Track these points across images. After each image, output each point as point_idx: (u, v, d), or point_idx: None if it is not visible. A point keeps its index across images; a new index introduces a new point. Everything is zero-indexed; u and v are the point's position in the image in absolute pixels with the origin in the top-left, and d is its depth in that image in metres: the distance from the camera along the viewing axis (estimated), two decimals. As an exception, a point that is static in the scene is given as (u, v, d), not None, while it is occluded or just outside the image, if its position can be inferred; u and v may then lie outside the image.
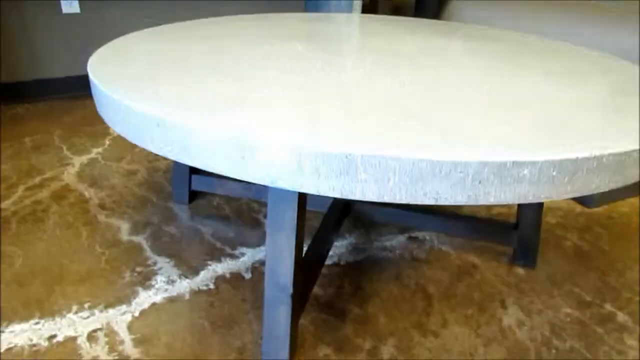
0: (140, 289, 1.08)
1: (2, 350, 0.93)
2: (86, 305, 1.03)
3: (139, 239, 1.25)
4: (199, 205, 1.42)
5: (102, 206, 1.40)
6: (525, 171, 0.56)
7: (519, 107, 0.70)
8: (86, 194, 1.47)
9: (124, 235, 1.27)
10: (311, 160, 0.56)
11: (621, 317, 1.06)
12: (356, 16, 1.55)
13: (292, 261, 0.79)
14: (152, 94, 0.69)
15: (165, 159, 1.73)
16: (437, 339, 0.97)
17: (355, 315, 1.02)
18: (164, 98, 0.67)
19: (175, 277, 1.12)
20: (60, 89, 2.39)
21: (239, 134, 0.58)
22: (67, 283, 1.10)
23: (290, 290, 0.81)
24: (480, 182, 0.56)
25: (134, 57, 0.87)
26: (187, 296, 1.06)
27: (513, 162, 0.56)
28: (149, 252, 1.20)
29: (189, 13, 2.58)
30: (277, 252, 0.79)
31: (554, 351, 0.96)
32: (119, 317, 1.00)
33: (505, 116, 0.66)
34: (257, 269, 1.15)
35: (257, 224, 1.33)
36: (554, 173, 0.58)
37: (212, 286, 1.09)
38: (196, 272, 1.13)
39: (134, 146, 1.81)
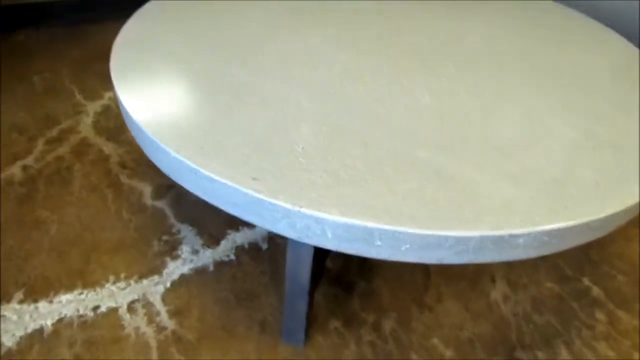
0: (168, 259, 1.20)
1: (54, 321, 1.07)
2: (122, 276, 1.16)
3: (162, 205, 1.35)
4: (214, 165, 1.50)
5: (122, 165, 1.48)
6: (520, 240, 0.65)
7: (525, 154, 0.75)
8: (105, 149, 1.54)
9: (148, 200, 1.36)
10: (334, 228, 0.64)
11: (595, 291, 1.20)
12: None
13: (310, 268, 0.89)
14: (185, 134, 0.74)
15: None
16: (432, 313, 1.12)
17: (362, 289, 1.16)
18: (196, 141, 0.73)
19: (198, 247, 1.23)
20: (62, 13, 2.33)
21: (269, 198, 0.65)
22: (101, 252, 1.22)
23: (308, 288, 0.93)
24: (480, 249, 0.65)
25: (156, 69, 0.90)
26: (211, 267, 1.19)
27: (510, 235, 0.64)
28: (172, 219, 1.31)
29: None
30: (298, 261, 0.89)
31: (531, 326, 1.11)
32: (153, 288, 1.14)
33: (511, 170, 0.72)
34: (273, 239, 1.27)
35: (270, 188, 1.42)
36: (546, 238, 0.66)
37: (233, 257, 1.22)
38: (217, 242, 1.25)
39: (145, 92, 1.84)
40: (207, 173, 0.69)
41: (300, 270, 0.90)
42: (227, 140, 0.74)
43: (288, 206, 0.64)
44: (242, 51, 0.96)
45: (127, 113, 0.80)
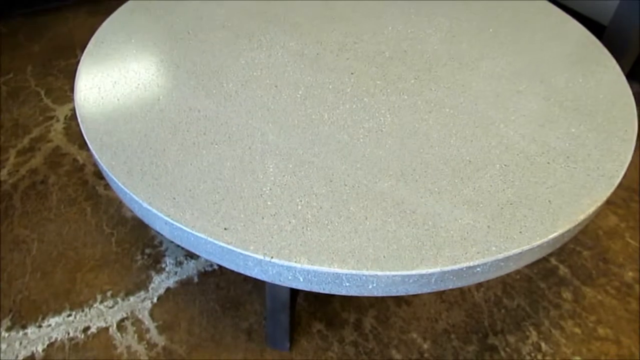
0: (153, 273, 1.24)
1: (45, 346, 1.11)
2: (109, 294, 1.20)
3: (141, 215, 1.37)
4: (190, 168, 1.51)
5: (98, 175, 1.49)
6: (478, 269, 0.69)
7: (482, 176, 0.79)
8: (79, 159, 1.54)
9: (127, 211, 1.38)
10: (304, 274, 0.68)
11: (562, 270, 1.27)
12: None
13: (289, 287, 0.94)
14: (155, 183, 0.76)
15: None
16: (409, 307, 1.18)
17: (341, 289, 1.21)
18: (167, 191, 0.75)
19: (182, 259, 1.27)
20: (18, 3, 2.25)
21: (240, 250, 0.68)
22: (86, 270, 1.25)
23: (289, 304, 0.98)
24: (442, 281, 0.69)
25: (121, 105, 0.90)
26: (195, 279, 1.23)
27: (468, 267, 0.68)
28: (153, 230, 1.34)
29: None
30: (275, 281, 0.93)
31: (503, 311, 1.18)
32: (140, 305, 1.18)
33: (469, 196, 0.76)
34: (253, 244, 1.30)
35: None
36: (502, 264, 0.71)
37: (216, 266, 1.25)
38: (199, 251, 1.28)
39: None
40: (180, 225, 0.71)
41: (280, 288, 0.95)
42: (198, 188, 0.76)
43: (259, 257, 0.68)
44: (206, 75, 0.96)
45: (96, 159, 0.81)
